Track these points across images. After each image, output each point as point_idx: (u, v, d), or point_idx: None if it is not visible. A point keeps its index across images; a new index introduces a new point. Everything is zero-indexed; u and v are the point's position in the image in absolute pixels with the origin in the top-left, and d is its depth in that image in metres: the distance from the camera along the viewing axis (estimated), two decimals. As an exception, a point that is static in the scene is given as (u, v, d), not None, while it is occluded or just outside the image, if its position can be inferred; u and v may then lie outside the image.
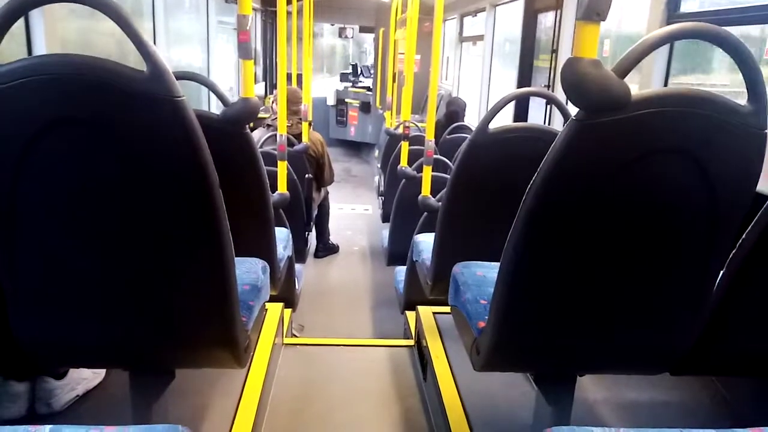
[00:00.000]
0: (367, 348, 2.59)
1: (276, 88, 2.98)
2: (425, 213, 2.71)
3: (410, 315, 2.72)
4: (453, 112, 5.58)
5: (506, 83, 5.66)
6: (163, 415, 1.43)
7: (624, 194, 1.11)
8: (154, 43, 3.84)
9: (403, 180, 3.66)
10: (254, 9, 7.44)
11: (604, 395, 1.98)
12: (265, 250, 2.04)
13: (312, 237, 4.67)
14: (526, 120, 4.93)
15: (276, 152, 2.76)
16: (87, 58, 1.02)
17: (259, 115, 5.62)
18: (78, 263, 1.17)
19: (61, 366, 1.71)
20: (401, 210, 3.69)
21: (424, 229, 2.66)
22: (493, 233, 1.40)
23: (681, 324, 1.29)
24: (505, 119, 4.72)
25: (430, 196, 2.63)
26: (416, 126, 5.02)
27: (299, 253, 3.58)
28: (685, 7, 2.66)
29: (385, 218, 4.85)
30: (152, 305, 1.23)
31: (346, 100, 9.77)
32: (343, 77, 10.95)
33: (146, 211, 1.11)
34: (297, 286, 3.07)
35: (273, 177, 2.53)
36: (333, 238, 4.99)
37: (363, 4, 9.48)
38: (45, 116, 1.03)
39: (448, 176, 2.24)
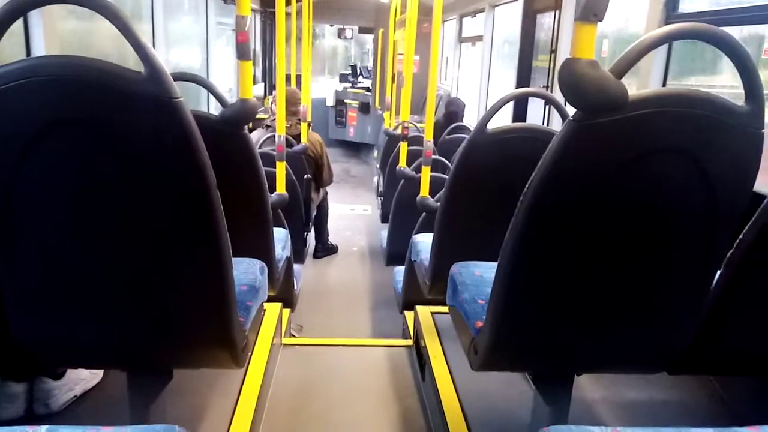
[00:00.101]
0: (365, 348, 2.59)
1: (275, 89, 2.98)
2: (424, 213, 2.71)
3: (409, 315, 2.72)
4: (452, 112, 5.58)
5: (505, 84, 5.66)
6: (161, 415, 1.43)
7: (622, 194, 1.11)
8: (153, 45, 3.84)
9: (402, 180, 3.66)
10: (253, 10, 7.44)
11: (602, 394, 1.98)
12: (263, 250, 2.04)
13: (311, 237, 4.67)
14: (524, 120, 4.94)
15: (275, 153, 2.76)
16: (85, 59, 1.02)
17: (258, 116, 5.64)
18: (76, 263, 1.17)
19: (60, 366, 1.71)
20: (400, 210, 3.69)
21: (423, 230, 2.67)
22: (492, 233, 1.40)
23: (679, 323, 1.30)
24: (503, 120, 4.72)
25: (429, 196, 2.63)
26: (415, 126, 5.02)
27: (298, 253, 3.58)
28: (684, 7, 2.66)
29: (384, 218, 4.85)
30: (150, 305, 1.23)
31: (345, 100, 9.77)
32: (343, 78, 10.95)
33: (144, 211, 1.11)
34: (296, 287, 3.07)
35: (272, 178, 2.54)
36: (332, 239, 4.99)
37: (362, 5, 9.48)
38: (44, 117, 1.03)
39: (447, 176, 2.24)
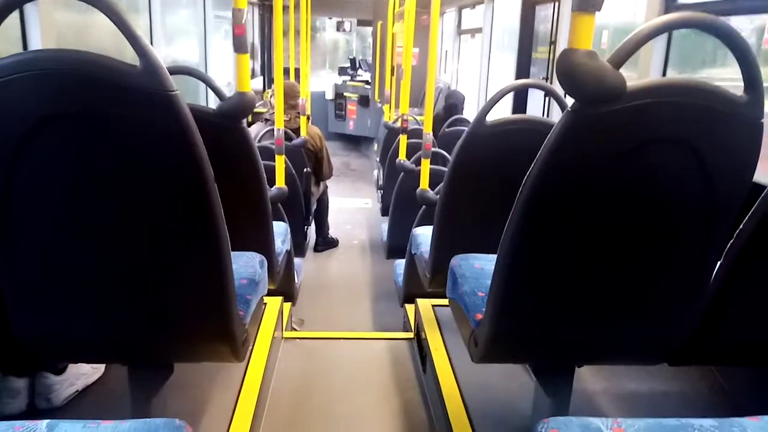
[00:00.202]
0: (366, 341, 2.59)
1: (274, 83, 2.97)
2: (424, 206, 2.70)
3: (409, 308, 2.73)
4: (451, 105, 5.57)
5: (505, 76, 5.64)
6: (162, 409, 1.44)
7: (620, 185, 1.11)
8: (151, 39, 3.83)
9: (402, 173, 3.65)
10: (250, 3, 7.41)
11: (602, 386, 1.98)
12: (262, 244, 2.04)
13: (311, 231, 4.67)
14: (524, 112, 4.93)
15: (274, 147, 2.76)
16: (80, 53, 1.01)
17: (258, 110, 5.63)
18: (73, 258, 1.17)
19: (60, 361, 1.71)
20: (400, 203, 3.69)
21: (423, 222, 2.67)
22: (491, 226, 1.40)
23: (679, 314, 1.29)
24: (503, 112, 4.71)
25: (429, 189, 2.63)
26: (415, 119, 5.01)
27: (298, 247, 3.58)
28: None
29: (384, 212, 4.85)
30: (148, 299, 1.23)
31: (345, 93, 9.74)
32: (342, 71, 10.91)
33: (141, 205, 1.11)
34: (296, 280, 3.07)
35: (271, 171, 2.53)
36: (332, 232, 4.99)
37: None
38: (39, 112, 1.02)
39: (447, 169, 2.24)
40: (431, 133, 2.78)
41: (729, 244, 1.25)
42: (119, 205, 1.11)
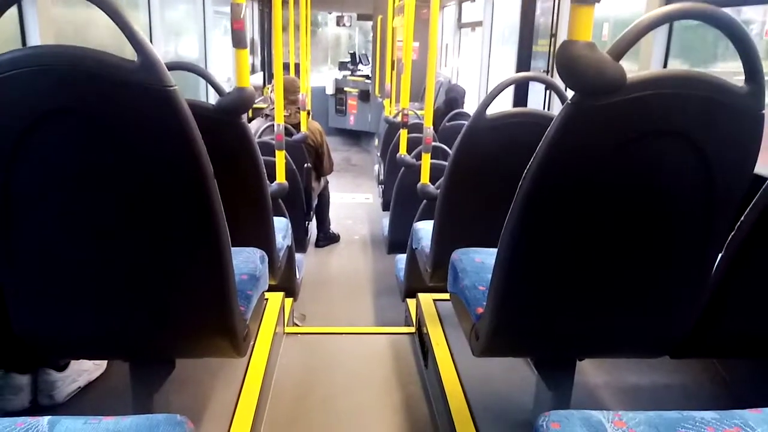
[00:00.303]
0: (368, 336, 2.60)
1: (274, 78, 2.97)
2: (425, 201, 2.70)
3: (411, 302, 2.73)
4: (452, 99, 5.55)
5: (506, 69, 5.62)
6: (164, 405, 1.44)
7: (621, 177, 1.10)
8: (151, 35, 3.82)
9: (403, 168, 3.65)
10: (251, -2, 7.39)
11: (604, 379, 1.98)
12: (263, 239, 2.04)
13: (312, 226, 4.67)
14: (525, 106, 4.91)
15: (274, 142, 2.76)
16: (78, 49, 1.01)
17: (258, 106, 5.62)
18: (74, 254, 1.17)
19: (62, 357, 1.72)
20: (401, 198, 3.68)
21: (424, 217, 2.66)
22: (492, 219, 1.40)
23: (680, 306, 1.29)
24: (504, 105, 4.70)
25: (429, 183, 2.62)
26: (415, 114, 5.00)
27: (299, 242, 3.58)
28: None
29: (385, 207, 4.84)
30: (148, 296, 1.23)
31: (345, 88, 9.71)
32: (342, 66, 10.88)
33: (141, 201, 1.11)
34: (298, 276, 3.07)
35: (272, 167, 2.53)
36: (334, 228, 4.99)
37: None
38: (37, 107, 1.02)
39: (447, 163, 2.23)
40: (432, 127, 2.78)
41: (730, 236, 1.25)
42: (119, 201, 1.11)
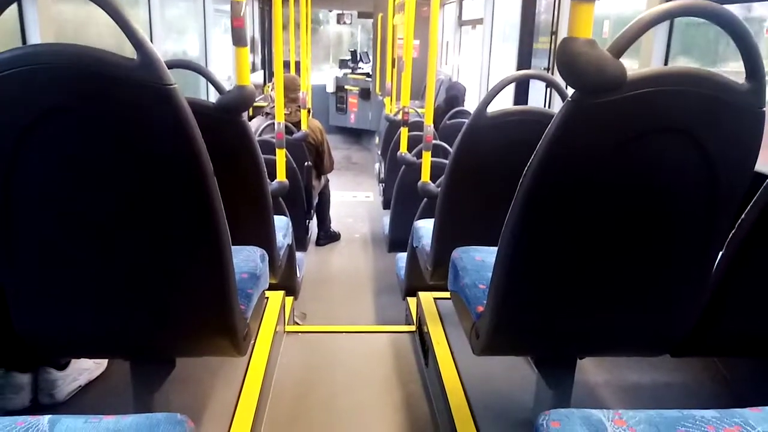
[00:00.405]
0: (369, 334, 2.60)
1: (274, 76, 2.97)
2: (425, 199, 2.70)
3: (411, 301, 2.73)
4: (453, 97, 5.55)
5: (506, 67, 5.61)
6: (164, 404, 1.44)
7: (621, 175, 1.10)
8: (151, 33, 3.81)
9: (403, 166, 3.64)
10: (251, -4, 7.38)
11: (604, 378, 1.98)
12: (263, 238, 2.04)
13: (313, 225, 4.67)
14: (526, 103, 4.90)
15: (274, 140, 2.75)
16: (78, 47, 1.01)
17: (258, 104, 5.61)
18: (74, 253, 1.17)
19: (62, 356, 1.72)
20: (402, 196, 3.68)
21: (425, 215, 2.66)
22: (492, 218, 1.39)
23: (681, 305, 1.29)
24: (505, 103, 4.69)
25: (430, 181, 2.62)
26: (416, 112, 4.99)
27: (300, 241, 3.57)
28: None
29: (385, 205, 4.84)
30: (149, 295, 1.23)
31: (346, 86, 9.70)
32: (342, 64, 10.86)
33: (141, 200, 1.11)
34: (298, 274, 3.07)
35: (272, 165, 2.53)
36: (334, 226, 4.99)
37: None
38: (38, 106, 1.02)
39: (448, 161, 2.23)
40: (432, 125, 2.77)
41: (731, 235, 1.25)
42: (119, 199, 1.11)
